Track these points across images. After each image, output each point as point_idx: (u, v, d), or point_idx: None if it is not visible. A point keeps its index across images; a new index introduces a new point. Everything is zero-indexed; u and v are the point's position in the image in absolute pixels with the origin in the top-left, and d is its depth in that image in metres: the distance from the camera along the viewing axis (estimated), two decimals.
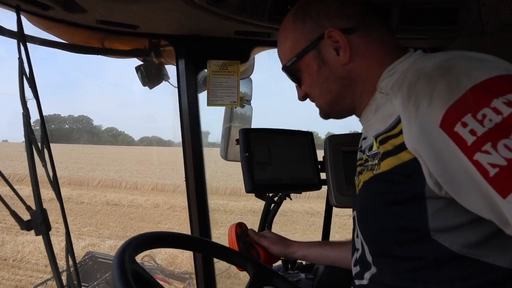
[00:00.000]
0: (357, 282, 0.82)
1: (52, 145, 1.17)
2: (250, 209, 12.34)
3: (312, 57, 0.81)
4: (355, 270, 0.84)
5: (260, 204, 1.25)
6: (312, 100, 0.89)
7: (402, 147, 0.64)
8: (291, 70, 0.85)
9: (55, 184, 1.21)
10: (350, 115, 0.87)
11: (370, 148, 0.76)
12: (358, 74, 0.78)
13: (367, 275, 0.78)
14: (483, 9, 1.20)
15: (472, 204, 0.57)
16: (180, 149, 1.51)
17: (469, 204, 0.57)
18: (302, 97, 0.90)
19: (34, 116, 1.18)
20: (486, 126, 0.52)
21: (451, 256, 0.63)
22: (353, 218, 0.86)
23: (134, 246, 0.65)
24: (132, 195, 15.41)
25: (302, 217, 11.91)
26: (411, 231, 0.66)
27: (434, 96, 0.57)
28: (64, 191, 15.18)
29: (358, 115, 0.84)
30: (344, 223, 8.95)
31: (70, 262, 1.24)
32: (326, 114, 0.88)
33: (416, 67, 0.66)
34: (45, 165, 1.18)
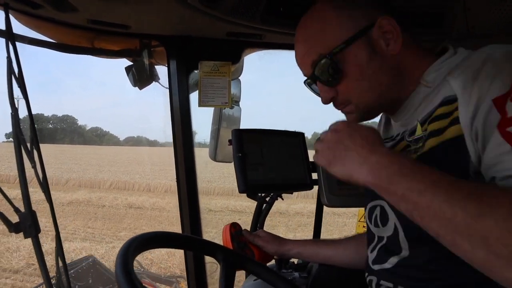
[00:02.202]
0: (376, 267, 0.83)
1: (42, 146, 1.15)
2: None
3: (362, 46, 0.76)
4: (372, 256, 0.85)
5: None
6: (341, 106, 0.82)
7: (453, 123, 0.66)
8: (334, 60, 0.76)
9: (44, 185, 1.19)
10: (388, 110, 0.86)
11: (412, 133, 0.77)
12: (405, 65, 0.78)
13: (394, 259, 0.78)
14: (469, 13, 1.24)
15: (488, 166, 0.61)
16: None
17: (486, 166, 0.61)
18: (329, 99, 0.81)
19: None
20: None
21: None
22: (371, 208, 0.86)
23: (134, 248, 0.65)
24: (151, 198, 14.91)
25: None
26: None
27: (499, 75, 0.61)
28: (79, 194, 14.71)
29: (391, 112, 0.85)
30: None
31: (61, 266, 1.22)
32: (366, 113, 0.81)
33: (479, 56, 0.68)
34: (34, 166, 1.16)
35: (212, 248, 0.82)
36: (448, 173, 0.65)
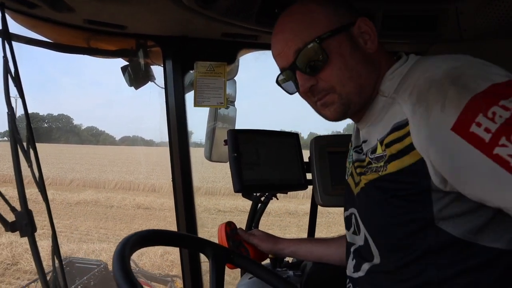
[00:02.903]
0: (354, 275, 0.86)
1: (40, 145, 1.15)
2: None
3: (344, 38, 0.79)
4: (351, 264, 0.88)
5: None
6: (322, 94, 0.80)
7: (409, 149, 0.69)
8: (321, 47, 0.76)
9: (41, 184, 1.20)
10: (355, 115, 0.86)
11: (374, 151, 0.79)
12: (380, 66, 0.81)
13: (366, 266, 0.82)
14: (461, 17, 1.26)
15: (483, 195, 0.62)
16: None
17: (478, 195, 0.63)
18: (309, 87, 0.80)
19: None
20: (497, 122, 0.58)
21: (453, 241, 0.69)
22: (348, 217, 0.89)
23: (131, 245, 0.66)
24: (158, 198, 14.78)
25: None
26: (417, 221, 0.71)
27: (447, 102, 0.63)
28: (86, 194, 14.58)
29: (357, 118, 0.86)
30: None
31: (57, 264, 1.22)
32: (349, 106, 0.80)
33: (426, 74, 0.70)
34: (30, 166, 1.16)
35: (202, 244, 0.83)
36: (407, 193, 0.70)
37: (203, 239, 0.85)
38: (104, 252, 7.79)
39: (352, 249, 0.88)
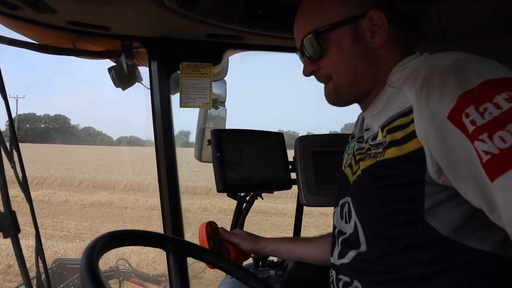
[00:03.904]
0: (337, 262, 0.86)
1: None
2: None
3: (347, 31, 0.81)
4: (336, 251, 0.88)
5: None
6: (322, 79, 0.87)
7: (411, 136, 0.70)
8: (319, 38, 0.82)
9: (24, 185, 1.20)
10: (359, 101, 0.89)
11: (374, 138, 0.80)
12: (384, 60, 0.82)
13: (352, 253, 0.82)
14: (443, 16, 1.27)
15: (467, 191, 0.64)
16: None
17: (463, 190, 0.65)
18: (309, 72, 0.87)
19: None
20: (485, 119, 0.60)
21: (439, 239, 0.70)
22: (341, 206, 0.90)
23: (100, 246, 0.66)
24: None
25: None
26: (407, 213, 0.72)
27: (445, 90, 0.65)
28: (100, 196, 14.37)
29: (365, 107, 0.88)
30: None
31: (41, 267, 1.22)
32: (341, 97, 0.86)
33: (431, 63, 0.72)
34: (14, 166, 1.16)
35: (161, 240, 0.83)
36: (401, 182, 0.71)
37: (162, 235, 0.85)
38: (133, 254, 7.54)
39: (339, 237, 0.88)
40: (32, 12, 1.13)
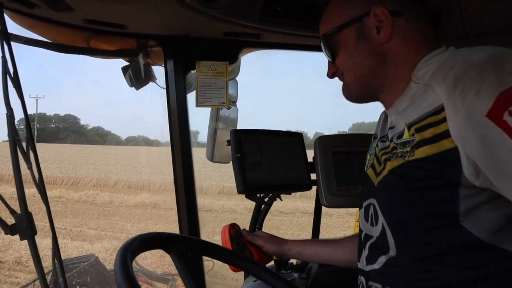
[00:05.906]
0: (367, 268, 0.83)
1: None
2: None
3: (353, 31, 0.83)
4: (364, 256, 0.85)
5: None
6: (341, 78, 0.90)
7: (444, 135, 0.66)
8: (329, 41, 0.87)
9: (40, 186, 1.18)
10: (374, 100, 0.88)
11: (400, 136, 0.77)
12: (394, 55, 0.80)
13: (383, 258, 0.79)
14: (466, 13, 1.24)
15: None
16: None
17: (508, 192, 0.61)
18: (331, 74, 0.91)
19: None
20: None
21: (476, 242, 0.66)
22: (366, 207, 0.87)
23: (134, 248, 0.64)
24: (217, 200, 13.98)
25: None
26: (440, 216, 0.69)
27: (483, 86, 0.61)
28: (143, 197, 14.02)
29: (387, 104, 0.85)
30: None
31: (57, 265, 1.21)
32: (351, 92, 0.88)
33: (464, 58, 0.69)
34: (30, 167, 1.14)
35: (160, 240, 0.79)
36: (433, 183, 0.67)
37: (162, 233, 0.81)
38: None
39: (366, 241, 0.85)
40: (49, 10, 1.12)
